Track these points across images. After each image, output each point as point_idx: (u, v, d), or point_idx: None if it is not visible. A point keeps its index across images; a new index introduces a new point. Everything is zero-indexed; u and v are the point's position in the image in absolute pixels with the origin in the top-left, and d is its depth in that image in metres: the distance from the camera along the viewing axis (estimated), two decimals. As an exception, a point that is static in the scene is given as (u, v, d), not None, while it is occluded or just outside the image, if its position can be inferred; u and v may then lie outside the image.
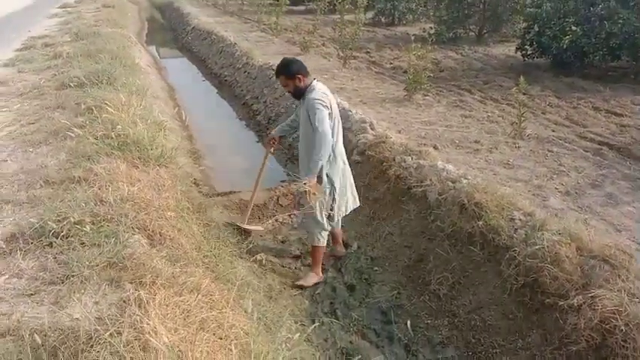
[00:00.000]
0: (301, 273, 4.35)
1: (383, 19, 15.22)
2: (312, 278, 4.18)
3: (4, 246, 3.10)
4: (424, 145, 5.34)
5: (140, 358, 2.06)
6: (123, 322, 2.31)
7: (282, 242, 4.85)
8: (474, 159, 5.19)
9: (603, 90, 7.35)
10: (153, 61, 12.94)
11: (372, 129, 5.63)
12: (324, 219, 4.05)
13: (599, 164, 4.98)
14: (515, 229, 3.60)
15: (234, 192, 5.45)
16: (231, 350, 2.30)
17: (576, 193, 4.44)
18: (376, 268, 4.35)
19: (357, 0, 10.06)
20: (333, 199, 4.04)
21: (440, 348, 3.51)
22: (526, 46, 9.13)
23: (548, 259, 3.19)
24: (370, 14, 15.00)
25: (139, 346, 2.13)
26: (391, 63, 10.01)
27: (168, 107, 8.23)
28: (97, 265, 2.87)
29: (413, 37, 8.73)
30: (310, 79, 3.89)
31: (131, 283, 2.72)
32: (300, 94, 3.89)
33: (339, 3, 11.11)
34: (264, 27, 14.50)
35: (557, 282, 3.10)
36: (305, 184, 3.84)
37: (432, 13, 13.37)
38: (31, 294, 2.71)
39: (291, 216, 5.09)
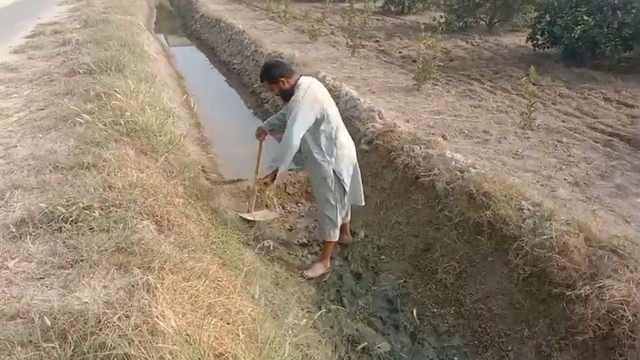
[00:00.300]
0: (308, 261, 4.36)
1: (392, 8, 15.08)
2: (319, 269, 4.17)
3: (14, 230, 3.13)
4: (433, 134, 5.32)
5: (148, 342, 2.08)
6: (131, 306, 2.33)
7: (289, 230, 4.86)
8: (482, 149, 5.16)
9: (615, 81, 7.26)
10: (161, 48, 12.92)
11: (380, 118, 5.61)
12: (338, 216, 4.03)
13: (609, 155, 4.93)
14: (524, 219, 3.59)
15: (242, 180, 5.45)
16: (238, 335, 2.31)
17: (585, 184, 4.40)
18: (383, 257, 4.36)
19: (367, -12, 10.00)
20: (344, 192, 4.01)
21: (446, 336, 3.52)
22: (537, 36, 8.98)
23: (556, 249, 3.17)
24: (380, 2, 14.89)
25: (147, 329, 2.15)
26: (400, 52, 9.91)
27: (176, 95, 8.23)
28: (106, 250, 2.90)
29: (423, 26, 8.68)
30: (295, 78, 3.83)
31: (139, 268, 2.75)
32: (287, 95, 3.83)
33: (349, -9, 11.02)
34: (273, 15, 14.42)
35: (564, 272, 3.09)
36: (260, 180, 4.00)
37: (442, 2, 13.21)
38: (41, 278, 2.74)
39: (298, 204, 5.10)
